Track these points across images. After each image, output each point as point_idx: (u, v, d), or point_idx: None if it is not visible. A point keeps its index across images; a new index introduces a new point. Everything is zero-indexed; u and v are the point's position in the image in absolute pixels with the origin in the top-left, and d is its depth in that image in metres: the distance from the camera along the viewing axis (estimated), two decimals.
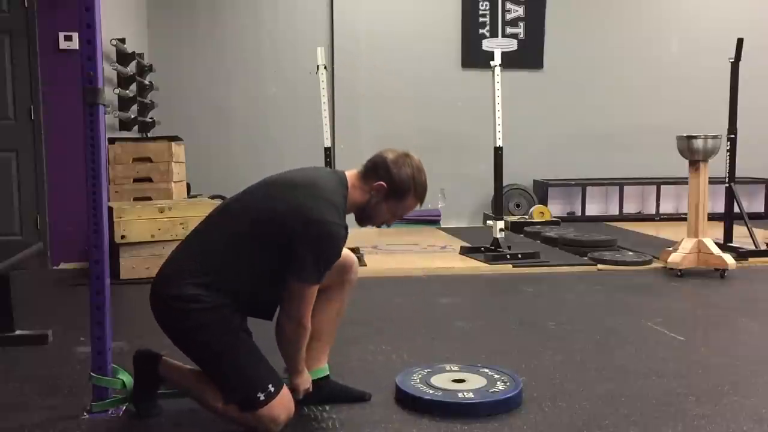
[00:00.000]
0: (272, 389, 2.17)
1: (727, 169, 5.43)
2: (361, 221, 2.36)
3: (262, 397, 2.15)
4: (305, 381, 2.32)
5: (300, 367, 2.29)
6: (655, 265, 5.13)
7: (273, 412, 2.17)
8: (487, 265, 5.14)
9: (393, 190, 2.27)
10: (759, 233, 5.67)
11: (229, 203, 2.33)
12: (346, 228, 2.19)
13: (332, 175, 2.32)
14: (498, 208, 5.46)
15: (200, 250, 2.23)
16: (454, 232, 7.00)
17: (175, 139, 5.75)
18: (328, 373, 2.48)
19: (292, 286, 2.14)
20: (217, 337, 2.16)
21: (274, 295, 2.22)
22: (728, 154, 5.41)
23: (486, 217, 7.08)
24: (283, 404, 2.19)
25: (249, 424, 2.19)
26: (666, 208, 7.99)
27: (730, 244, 5.40)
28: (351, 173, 2.32)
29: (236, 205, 2.28)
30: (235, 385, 2.17)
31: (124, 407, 2.42)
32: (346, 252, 2.43)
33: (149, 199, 5.29)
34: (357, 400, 2.47)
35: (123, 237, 4.53)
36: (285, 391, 2.21)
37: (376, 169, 2.28)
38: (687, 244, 4.78)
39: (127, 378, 2.40)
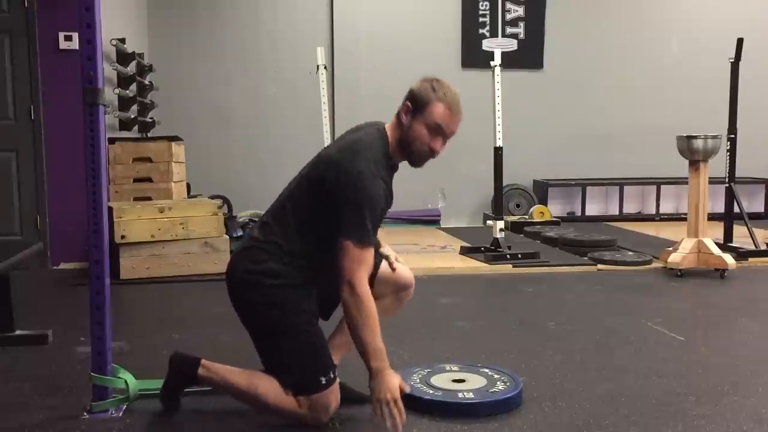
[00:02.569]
0: (332, 376, 2.21)
1: (727, 169, 5.43)
2: (410, 157, 2.30)
3: (323, 380, 2.18)
4: (382, 390, 2.08)
5: (375, 359, 2.09)
6: (655, 265, 5.13)
7: (328, 398, 2.19)
8: (487, 265, 5.15)
9: (415, 104, 2.25)
10: (759, 233, 5.67)
11: (293, 180, 2.35)
12: (384, 179, 2.17)
13: (371, 128, 2.32)
14: (498, 208, 5.46)
15: (277, 227, 2.25)
16: (454, 232, 7.00)
17: (175, 139, 5.75)
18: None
19: (338, 245, 2.10)
20: (291, 316, 2.19)
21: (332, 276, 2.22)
22: (728, 154, 5.41)
23: (486, 217, 7.07)
24: (335, 394, 2.22)
25: (297, 413, 2.20)
26: (666, 208, 7.99)
27: (730, 244, 5.40)
28: (390, 122, 2.33)
29: (295, 179, 2.33)
30: (299, 365, 2.19)
31: (125, 407, 2.42)
32: (410, 274, 2.48)
33: (149, 199, 5.29)
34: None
35: (123, 237, 4.53)
36: (338, 383, 2.23)
37: (405, 97, 2.29)
38: (687, 244, 4.78)
39: (129, 378, 2.41)
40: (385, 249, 2.53)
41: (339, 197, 2.12)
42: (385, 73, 7.62)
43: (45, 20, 4.99)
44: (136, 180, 5.46)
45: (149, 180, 5.48)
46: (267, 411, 2.27)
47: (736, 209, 5.43)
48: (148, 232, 4.61)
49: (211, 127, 7.54)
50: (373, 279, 2.37)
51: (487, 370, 2.64)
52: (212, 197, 6.62)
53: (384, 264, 2.47)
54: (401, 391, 2.11)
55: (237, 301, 2.28)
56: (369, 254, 2.12)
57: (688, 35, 8.14)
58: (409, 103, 2.26)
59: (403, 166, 2.39)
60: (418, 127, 2.25)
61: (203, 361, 2.34)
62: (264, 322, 2.23)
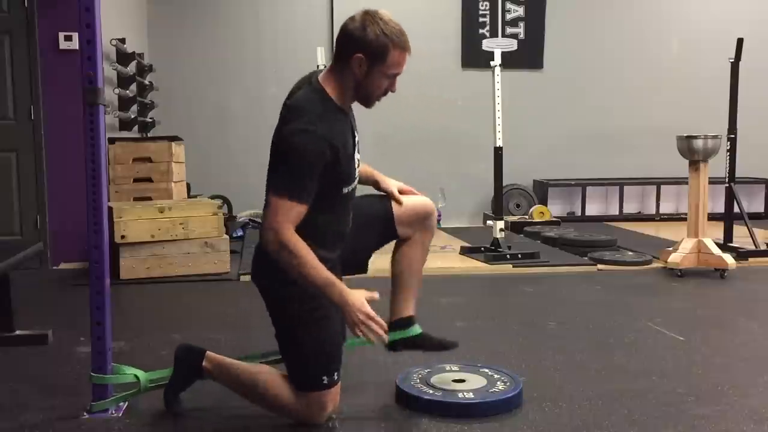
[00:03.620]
0: (335, 378, 2.22)
1: (727, 169, 5.43)
2: (366, 101, 2.24)
3: (325, 380, 2.19)
4: (356, 300, 2.06)
5: (331, 288, 2.07)
6: (655, 265, 5.13)
7: (325, 399, 2.20)
8: (487, 265, 5.14)
9: (373, 55, 2.12)
10: (759, 233, 5.67)
11: None
12: (319, 132, 2.08)
13: (302, 88, 2.24)
14: (498, 208, 5.46)
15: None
16: (454, 232, 7.00)
17: (175, 139, 5.75)
18: (420, 331, 2.47)
19: (265, 203, 2.10)
20: (307, 311, 2.18)
21: (344, 226, 2.26)
22: (728, 154, 5.41)
23: (486, 217, 7.07)
24: (334, 397, 2.23)
25: (294, 409, 2.22)
26: (666, 208, 7.99)
27: (730, 244, 5.40)
28: (324, 73, 2.22)
29: None
30: (304, 361, 2.20)
31: (125, 406, 2.42)
32: (423, 199, 2.46)
33: (149, 199, 5.29)
34: (444, 348, 2.50)
35: (123, 237, 4.53)
36: (339, 386, 2.24)
37: (346, 44, 2.13)
38: (687, 244, 4.78)
39: (137, 371, 2.42)
40: (385, 184, 2.50)
41: (273, 155, 2.12)
42: None
43: (45, 20, 4.99)
44: (136, 180, 5.46)
45: (149, 180, 5.48)
46: (266, 404, 2.28)
47: (736, 209, 5.42)
48: (148, 232, 4.61)
49: (211, 127, 7.54)
50: (393, 225, 2.40)
51: (487, 370, 2.64)
52: (212, 197, 6.63)
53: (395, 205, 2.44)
54: (370, 301, 2.09)
55: (262, 294, 2.30)
56: (293, 206, 2.06)
57: (688, 35, 8.14)
58: (362, 54, 2.11)
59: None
60: (377, 77, 2.16)
61: (208, 352, 2.35)
62: (282, 314, 2.25)
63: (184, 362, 2.36)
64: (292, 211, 2.06)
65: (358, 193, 2.37)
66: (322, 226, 2.21)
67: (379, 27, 2.12)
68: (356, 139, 2.32)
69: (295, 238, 2.05)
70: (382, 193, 2.50)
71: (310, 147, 2.06)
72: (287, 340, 2.25)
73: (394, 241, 2.48)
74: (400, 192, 2.48)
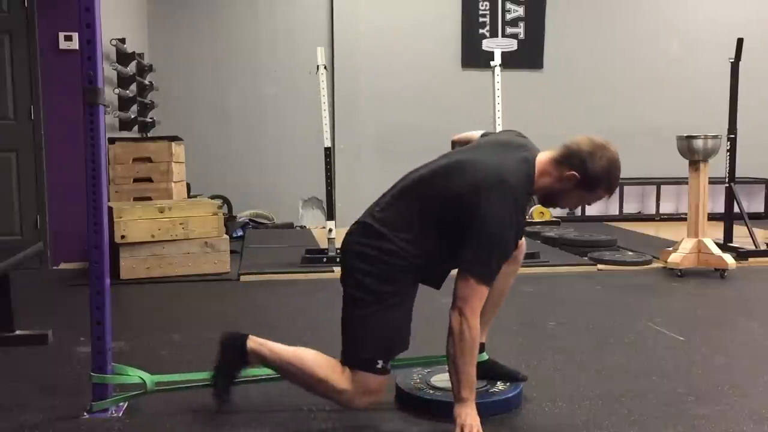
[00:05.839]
0: (389, 367, 2.23)
1: (727, 169, 5.43)
2: (545, 203, 2.35)
3: (380, 364, 2.20)
4: (468, 416, 2.14)
5: (467, 390, 2.15)
6: (655, 265, 5.13)
7: (373, 382, 2.21)
8: None
9: (585, 182, 2.21)
10: (759, 233, 5.67)
11: (419, 169, 2.33)
12: (518, 221, 2.16)
13: (519, 153, 2.26)
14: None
15: (393, 212, 2.26)
16: None
17: (175, 139, 5.75)
18: (487, 357, 2.50)
19: (460, 273, 2.13)
20: (388, 293, 2.21)
21: (445, 269, 2.30)
22: (728, 154, 5.41)
23: None
24: (381, 384, 2.23)
25: (337, 388, 2.21)
26: (666, 208, 7.99)
27: (730, 244, 5.40)
28: (543, 158, 2.27)
29: (424, 173, 2.29)
30: (368, 339, 2.21)
31: (125, 406, 2.42)
32: None
33: (149, 199, 5.29)
34: (514, 379, 2.53)
35: (123, 237, 4.53)
36: (386, 379, 2.24)
37: (570, 157, 2.21)
38: (687, 244, 4.78)
39: (142, 373, 2.41)
40: None
41: (473, 226, 2.11)
42: (385, 73, 7.63)
43: (45, 20, 4.99)
44: (136, 180, 5.46)
45: (149, 180, 5.48)
46: (308, 383, 2.28)
47: (736, 209, 5.42)
48: (148, 232, 4.61)
49: (211, 127, 7.55)
50: None
51: None
52: (212, 197, 6.63)
53: None
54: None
55: (348, 269, 2.28)
56: (486, 291, 2.14)
57: (688, 35, 8.14)
58: (579, 176, 2.20)
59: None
60: (576, 196, 2.28)
61: (251, 336, 2.37)
62: (362, 290, 2.23)
63: (230, 347, 2.37)
64: (485, 294, 2.14)
65: None
66: (438, 262, 2.29)
67: (608, 166, 2.21)
68: None
69: (478, 325, 2.14)
70: None
71: (513, 237, 2.16)
72: (360, 318, 2.23)
73: None
74: None
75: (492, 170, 2.14)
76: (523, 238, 2.55)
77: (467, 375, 2.14)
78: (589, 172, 2.19)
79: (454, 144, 2.57)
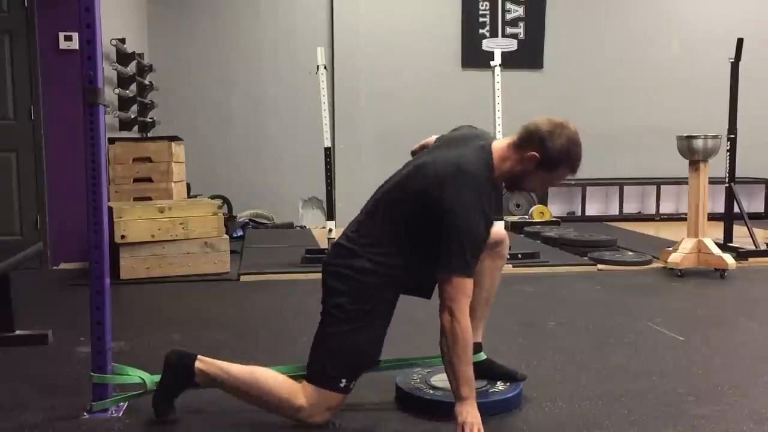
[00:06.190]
0: (352, 386, 2.23)
1: (727, 169, 5.43)
2: (511, 188, 2.36)
3: (343, 383, 2.20)
4: (469, 414, 2.15)
5: (465, 388, 2.16)
6: (655, 265, 5.13)
7: (332, 401, 2.21)
8: None
9: (545, 162, 2.21)
10: (759, 233, 5.67)
11: (386, 182, 2.36)
12: (484, 208, 2.15)
13: (475, 143, 2.28)
14: (498, 208, 5.45)
15: (366, 227, 2.29)
16: None
17: (175, 139, 5.75)
18: (485, 357, 2.49)
19: (441, 276, 2.13)
20: (362, 312, 2.21)
21: (429, 275, 2.24)
22: (728, 154, 5.41)
23: None
24: (339, 404, 2.24)
25: (294, 405, 2.20)
26: (666, 208, 7.99)
27: (730, 244, 5.40)
28: (501, 144, 2.28)
29: (391, 184, 2.32)
30: (336, 357, 2.21)
31: (125, 406, 2.42)
32: (495, 227, 2.45)
33: (149, 199, 5.29)
34: (513, 379, 2.52)
35: (123, 237, 4.53)
36: (346, 398, 2.24)
37: (530, 139, 2.22)
38: (687, 244, 4.78)
39: (142, 373, 2.41)
40: None
41: (443, 222, 2.11)
42: (385, 73, 7.63)
43: (45, 20, 4.99)
44: (136, 180, 5.46)
45: (149, 180, 5.48)
46: (264, 401, 2.25)
47: (736, 209, 5.42)
48: (148, 232, 4.61)
49: (212, 127, 7.55)
50: None
51: None
52: (212, 197, 6.63)
53: None
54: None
55: (324, 289, 2.29)
56: (470, 284, 2.13)
57: (687, 35, 8.14)
58: (539, 156, 2.20)
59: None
60: (539, 177, 2.27)
61: (200, 356, 2.31)
62: (336, 309, 2.23)
63: (176, 365, 2.30)
64: (471, 287, 2.14)
65: None
66: (418, 270, 2.27)
67: (567, 144, 2.21)
68: None
69: (469, 323, 2.13)
70: None
71: (483, 225, 2.14)
72: (327, 332, 2.24)
73: None
74: None
75: (450, 163, 2.17)
76: (505, 232, 2.56)
77: (464, 373, 2.14)
78: (548, 152, 2.20)
79: (414, 154, 2.55)
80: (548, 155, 2.20)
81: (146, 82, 6.64)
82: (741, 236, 5.51)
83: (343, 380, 2.20)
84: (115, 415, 2.37)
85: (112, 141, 5.43)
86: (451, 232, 2.10)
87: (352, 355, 2.22)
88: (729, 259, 4.69)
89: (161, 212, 4.66)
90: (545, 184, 2.36)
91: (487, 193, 2.18)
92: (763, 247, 5.40)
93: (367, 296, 2.22)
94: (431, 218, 2.14)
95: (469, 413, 2.15)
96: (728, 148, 5.40)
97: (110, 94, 5.49)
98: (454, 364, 2.14)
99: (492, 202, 2.21)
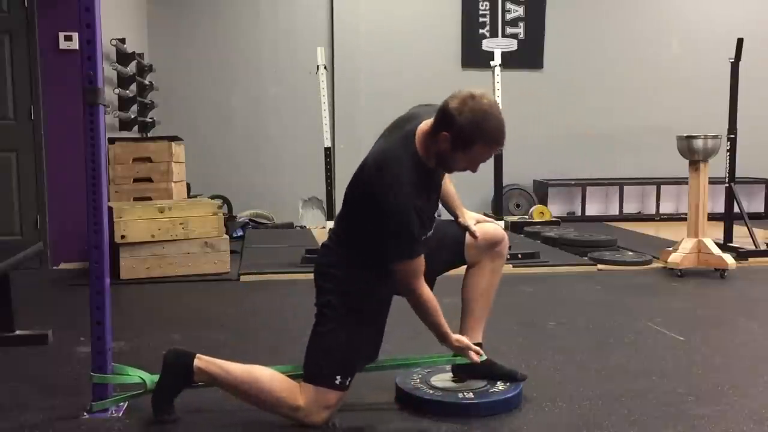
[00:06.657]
0: (347, 383, 2.24)
1: (727, 169, 5.43)
2: (444, 170, 2.32)
3: (338, 380, 2.21)
4: (460, 341, 2.33)
5: (449, 335, 2.31)
6: (655, 265, 5.13)
7: (329, 399, 2.21)
8: None
9: (457, 140, 2.10)
10: (759, 233, 5.66)
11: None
12: (412, 197, 2.13)
13: (398, 133, 2.25)
14: (498, 208, 5.45)
15: (340, 226, 2.37)
16: None
17: (175, 139, 5.75)
18: (485, 357, 2.48)
19: (390, 268, 2.19)
20: (353, 309, 2.25)
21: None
22: (728, 154, 5.41)
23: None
24: (337, 402, 2.24)
25: (292, 405, 2.21)
26: (666, 208, 7.99)
27: (730, 244, 5.40)
28: (425, 127, 2.20)
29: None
30: (329, 355, 2.23)
31: (125, 406, 2.42)
32: (494, 226, 2.51)
33: (149, 199, 5.29)
34: (513, 379, 2.53)
35: (123, 237, 4.53)
36: (343, 395, 2.25)
37: (442, 118, 2.13)
38: (687, 244, 4.78)
39: (142, 373, 2.40)
40: (463, 218, 2.52)
41: (377, 223, 2.14)
42: (385, 73, 7.63)
43: (45, 20, 4.99)
44: (136, 180, 5.46)
45: (149, 180, 5.48)
46: (262, 400, 2.26)
47: (736, 209, 5.42)
48: (148, 232, 4.61)
49: (212, 127, 7.55)
50: (462, 250, 2.46)
51: None
52: (212, 197, 6.63)
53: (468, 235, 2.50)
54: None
55: (316, 289, 2.33)
56: (417, 262, 2.18)
57: (687, 35, 8.14)
58: (450, 135, 2.10)
59: None
60: (458, 158, 2.17)
61: (198, 355, 2.31)
62: (327, 307, 2.26)
63: (175, 365, 2.29)
64: (419, 265, 2.19)
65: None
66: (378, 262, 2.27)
67: (474, 118, 2.08)
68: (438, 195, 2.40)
69: (427, 291, 2.25)
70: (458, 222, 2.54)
71: (413, 215, 2.13)
72: (319, 330, 2.26)
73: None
74: (477, 222, 2.53)
75: (372, 162, 2.19)
76: (504, 232, 2.56)
77: (439, 322, 2.28)
78: (457, 129, 2.08)
79: None
80: (459, 133, 2.09)
81: (146, 82, 6.64)
82: (741, 236, 5.51)
83: (338, 377, 2.20)
84: (115, 415, 2.37)
85: (112, 141, 5.43)
86: (389, 228, 2.13)
87: (344, 353, 2.23)
88: (729, 259, 4.69)
89: (161, 212, 4.66)
90: (471, 164, 2.20)
91: (412, 182, 2.13)
92: (763, 247, 5.40)
93: (353, 294, 2.25)
94: (368, 214, 2.17)
95: (459, 340, 2.33)
96: (728, 148, 5.40)
97: (110, 94, 5.49)
98: (430, 321, 2.27)
99: (425, 188, 2.20)
